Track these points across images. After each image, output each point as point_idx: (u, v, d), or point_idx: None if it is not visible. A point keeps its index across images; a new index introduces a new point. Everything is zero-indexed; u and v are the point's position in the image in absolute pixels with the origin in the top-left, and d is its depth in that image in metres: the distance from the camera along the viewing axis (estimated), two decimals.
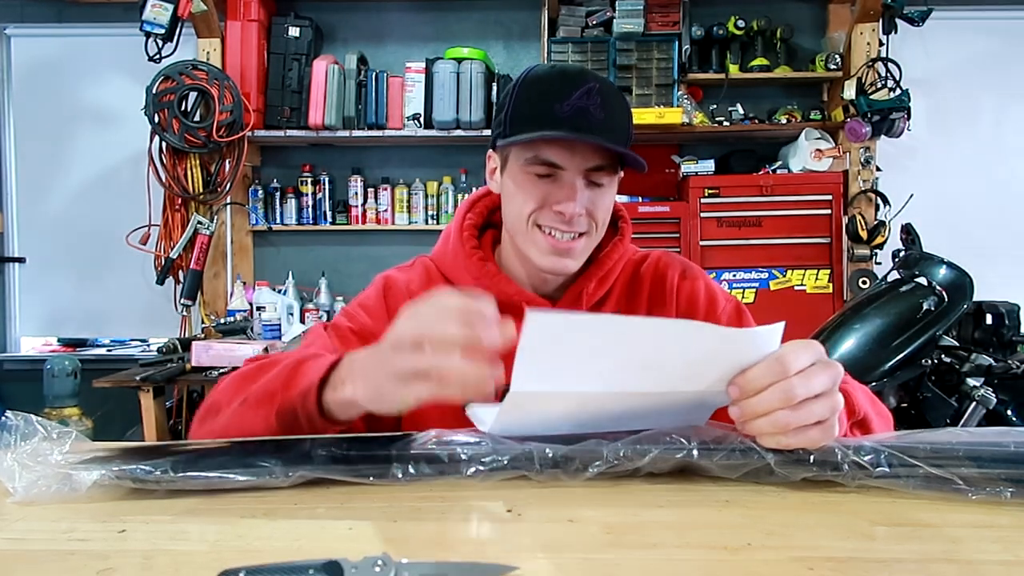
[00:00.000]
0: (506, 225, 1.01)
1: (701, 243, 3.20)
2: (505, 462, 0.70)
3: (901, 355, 2.11)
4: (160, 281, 3.32)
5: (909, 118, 3.20)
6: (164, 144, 3.23)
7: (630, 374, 0.69)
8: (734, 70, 3.34)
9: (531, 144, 0.92)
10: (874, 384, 2.11)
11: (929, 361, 2.11)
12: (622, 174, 0.99)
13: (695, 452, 0.69)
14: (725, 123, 3.31)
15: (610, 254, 1.02)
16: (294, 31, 3.39)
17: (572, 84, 0.90)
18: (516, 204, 0.95)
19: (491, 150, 1.01)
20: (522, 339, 0.64)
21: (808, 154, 3.23)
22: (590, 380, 0.69)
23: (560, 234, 0.93)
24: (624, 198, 3.31)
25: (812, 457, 0.68)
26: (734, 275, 3.19)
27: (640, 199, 3.34)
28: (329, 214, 3.53)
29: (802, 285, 3.19)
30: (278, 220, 3.53)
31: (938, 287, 2.19)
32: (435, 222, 3.49)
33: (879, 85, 3.21)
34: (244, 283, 3.42)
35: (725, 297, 1.06)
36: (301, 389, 0.74)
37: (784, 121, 3.34)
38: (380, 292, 1.02)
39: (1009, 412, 2.12)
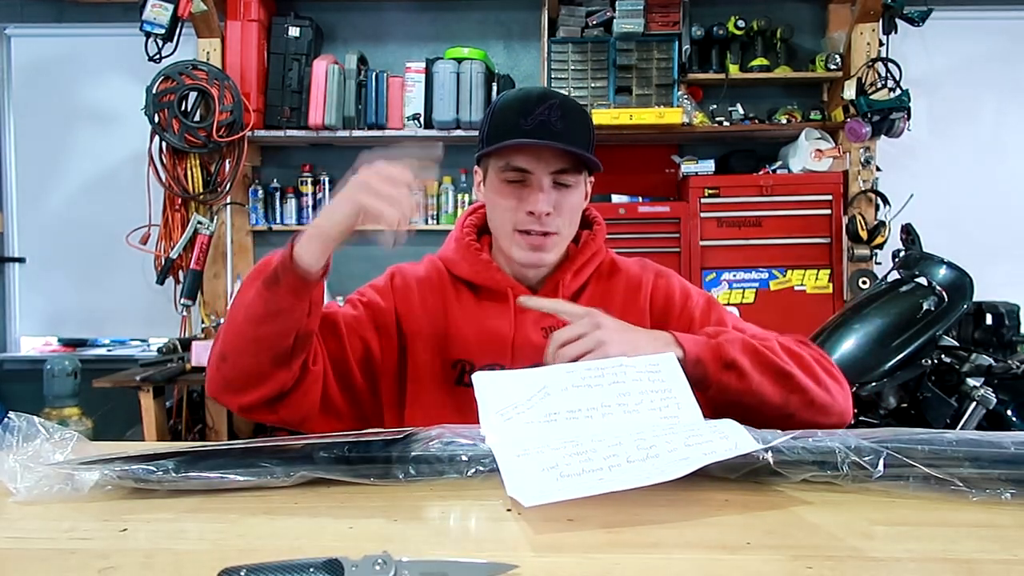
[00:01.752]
0: (492, 230, 1.15)
1: (701, 243, 3.20)
2: None
3: (901, 355, 2.11)
4: (160, 281, 3.31)
5: (909, 118, 3.20)
6: (164, 144, 3.22)
7: (592, 415, 0.79)
8: (734, 70, 3.34)
9: (503, 154, 1.05)
10: (874, 384, 2.11)
11: (929, 361, 2.11)
12: (592, 179, 1.14)
13: None
14: (725, 123, 3.31)
15: (583, 249, 1.15)
16: (294, 31, 3.39)
17: (535, 102, 1.04)
18: (497, 210, 1.10)
19: (476, 166, 1.15)
20: (478, 398, 0.82)
21: (808, 154, 3.23)
22: (559, 427, 0.77)
23: (534, 233, 1.06)
24: (624, 198, 3.31)
25: (812, 457, 0.68)
26: (734, 275, 3.19)
27: (640, 199, 3.34)
28: None
29: (802, 285, 3.19)
30: (278, 220, 3.53)
31: (938, 287, 2.19)
32: (435, 222, 3.49)
33: (879, 85, 3.21)
34: None
35: (698, 292, 1.18)
36: (281, 252, 0.92)
37: (784, 121, 3.34)
38: (388, 276, 1.18)
39: (1009, 412, 2.12)
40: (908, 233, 2.71)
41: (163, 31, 3.06)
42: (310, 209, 3.51)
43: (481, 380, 0.84)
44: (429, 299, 1.13)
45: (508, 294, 1.11)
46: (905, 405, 2.19)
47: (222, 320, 3.19)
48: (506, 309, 1.10)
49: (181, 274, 3.32)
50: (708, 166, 3.30)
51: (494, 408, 0.80)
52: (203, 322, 3.37)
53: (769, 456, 0.68)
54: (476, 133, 3.82)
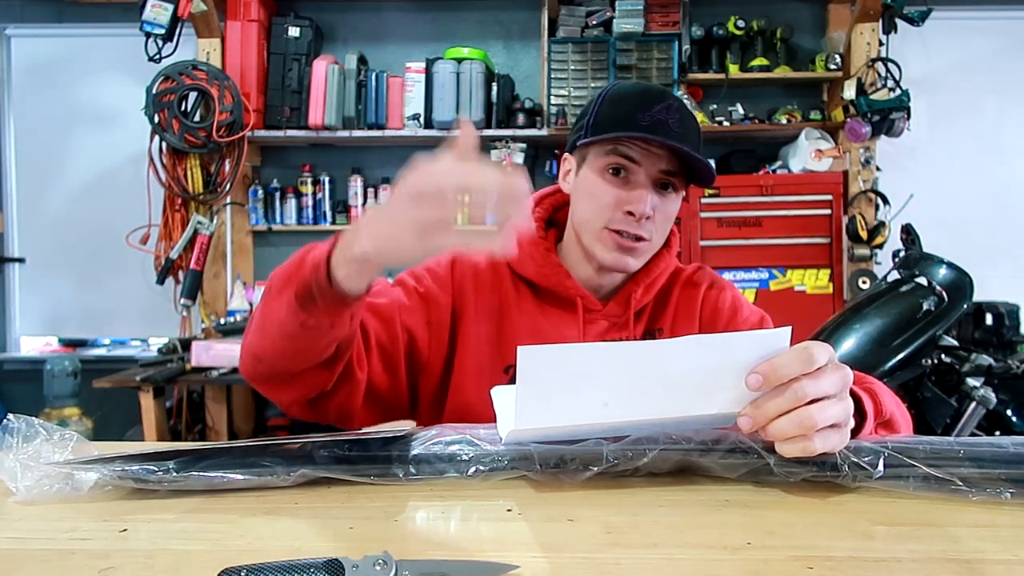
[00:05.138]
0: (573, 222, 1.06)
1: (701, 243, 3.20)
2: (505, 462, 0.70)
3: (901, 355, 2.11)
4: (160, 281, 3.31)
5: (909, 118, 3.20)
6: (164, 144, 3.22)
7: (639, 403, 0.68)
8: (734, 70, 3.34)
9: (610, 141, 0.98)
10: None
11: (929, 361, 2.11)
12: (684, 193, 1.06)
13: (695, 451, 0.69)
14: (725, 123, 3.31)
15: (657, 263, 1.08)
16: (294, 31, 3.39)
17: (654, 99, 0.97)
18: (589, 204, 1.01)
19: (567, 153, 1.08)
20: (519, 375, 0.64)
21: (808, 154, 3.23)
22: (596, 412, 0.68)
23: (626, 235, 0.99)
24: None
25: (812, 458, 0.68)
26: (734, 275, 3.19)
27: None
28: (329, 214, 3.53)
29: (802, 285, 3.19)
30: (278, 220, 3.53)
31: (938, 287, 2.19)
32: None
33: (879, 85, 3.21)
34: (244, 283, 3.42)
35: (750, 309, 1.11)
36: (313, 262, 0.76)
37: (784, 121, 3.34)
38: (449, 262, 1.06)
39: (1009, 412, 2.12)
40: (908, 233, 2.71)
41: (163, 31, 3.06)
42: (310, 209, 3.51)
43: (526, 358, 0.64)
44: (486, 296, 1.04)
45: (577, 303, 1.04)
46: (905, 405, 2.19)
47: (222, 321, 3.21)
48: (573, 320, 1.04)
49: (181, 274, 3.32)
50: None
51: (534, 406, 0.66)
52: (203, 322, 3.37)
53: (769, 456, 0.68)
54: (476, 133, 3.83)
